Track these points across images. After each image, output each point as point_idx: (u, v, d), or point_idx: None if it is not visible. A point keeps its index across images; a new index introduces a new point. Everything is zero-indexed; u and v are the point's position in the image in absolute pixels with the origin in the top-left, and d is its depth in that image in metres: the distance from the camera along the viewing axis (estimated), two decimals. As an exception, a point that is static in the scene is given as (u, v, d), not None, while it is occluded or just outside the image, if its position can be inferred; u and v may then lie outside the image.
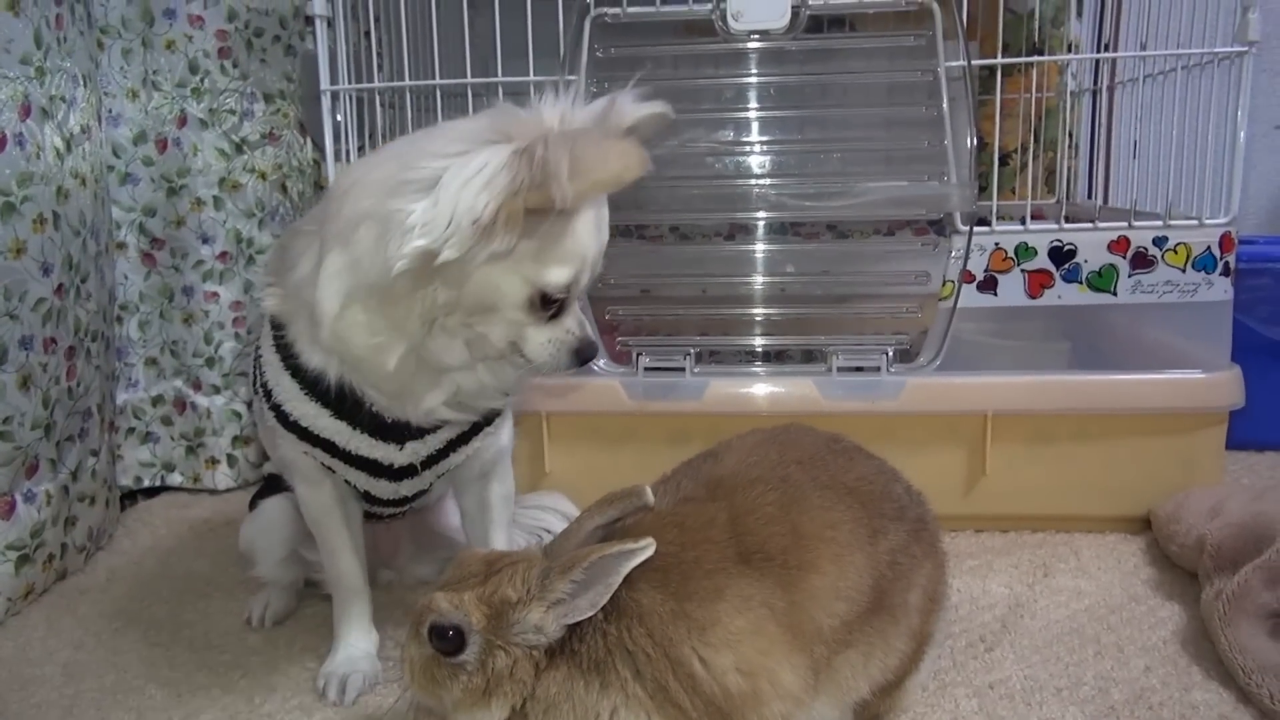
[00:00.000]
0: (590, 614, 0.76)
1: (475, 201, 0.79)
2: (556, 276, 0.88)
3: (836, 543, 0.81)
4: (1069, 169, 1.95)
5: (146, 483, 1.70)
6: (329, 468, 1.03)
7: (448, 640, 0.77)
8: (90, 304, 1.37)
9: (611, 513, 0.84)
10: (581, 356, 0.94)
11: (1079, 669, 1.04)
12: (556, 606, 0.76)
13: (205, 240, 1.64)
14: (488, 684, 0.77)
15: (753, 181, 1.43)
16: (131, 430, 1.68)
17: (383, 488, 1.06)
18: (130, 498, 1.67)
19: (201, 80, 1.60)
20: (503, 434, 1.10)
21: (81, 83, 1.33)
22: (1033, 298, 1.36)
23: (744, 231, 1.54)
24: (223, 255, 1.65)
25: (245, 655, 1.14)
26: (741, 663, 0.75)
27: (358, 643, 1.09)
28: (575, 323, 0.93)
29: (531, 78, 1.39)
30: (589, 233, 0.89)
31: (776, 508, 0.82)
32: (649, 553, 0.75)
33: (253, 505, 1.26)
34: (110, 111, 1.55)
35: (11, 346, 1.20)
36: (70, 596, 1.31)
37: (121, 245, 1.62)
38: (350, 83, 1.45)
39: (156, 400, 1.69)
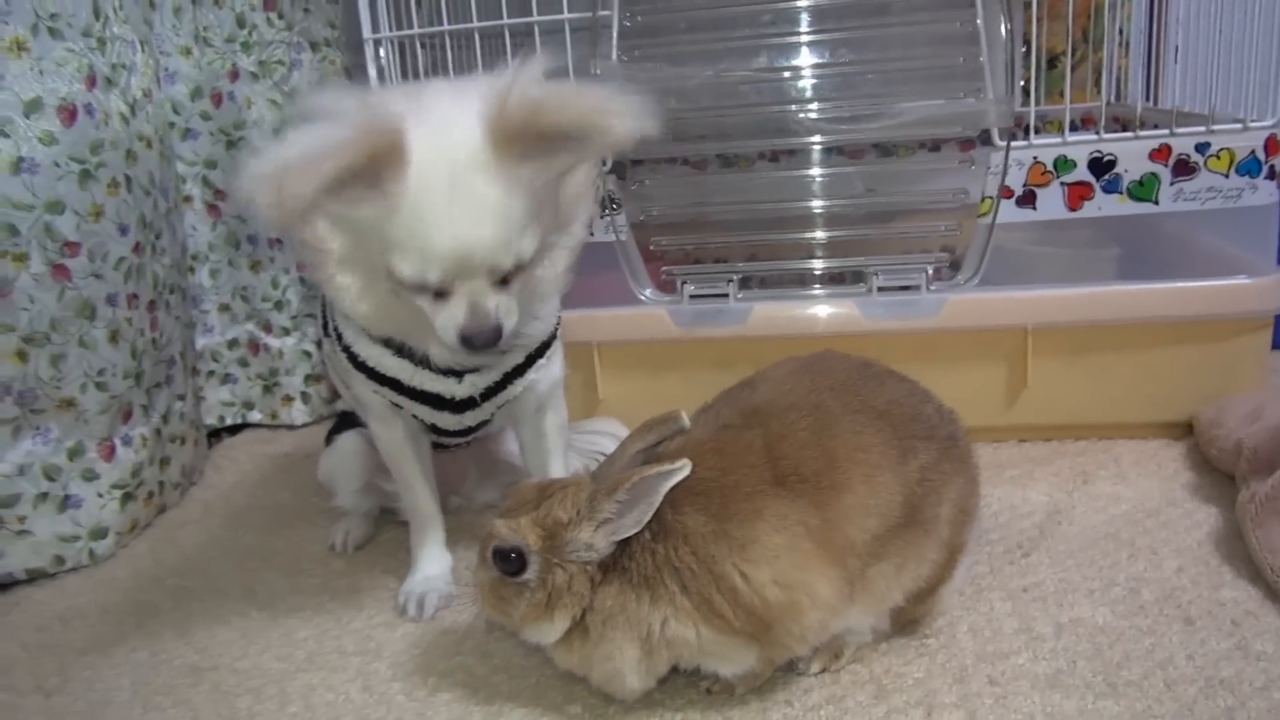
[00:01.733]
0: (635, 531, 0.83)
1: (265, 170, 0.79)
2: (401, 268, 0.87)
3: (867, 463, 0.87)
4: (1118, 69, 1.91)
5: (229, 421, 1.81)
6: (397, 405, 1.11)
7: (510, 562, 0.85)
8: (165, 259, 1.46)
9: (651, 437, 0.91)
10: (469, 344, 0.91)
11: (1112, 571, 1.09)
12: (605, 525, 0.83)
13: (265, 189, 1.71)
14: (549, 598, 0.85)
15: (791, 107, 1.44)
16: (211, 373, 1.78)
17: (447, 419, 1.13)
18: (215, 436, 1.78)
19: (250, 34, 1.65)
20: (554, 366, 1.16)
21: (139, 48, 1.39)
22: (1072, 210, 1.36)
23: (787, 154, 1.56)
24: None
25: (331, 579, 1.24)
26: (779, 576, 0.82)
27: (433, 564, 1.19)
28: (463, 309, 0.90)
29: (566, 15, 1.41)
30: (431, 232, 0.85)
31: (810, 433, 0.87)
32: (685, 473, 0.81)
33: (329, 440, 1.35)
34: (166, 70, 1.62)
35: (99, 304, 1.30)
36: (170, 529, 1.43)
37: (188, 198, 1.70)
38: (391, 29, 1.48)
39: (232, 344, 1.78)
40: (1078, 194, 1.35)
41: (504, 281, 0.92)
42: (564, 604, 0.85)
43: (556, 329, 1.15)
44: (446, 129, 0.85)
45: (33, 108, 1.20)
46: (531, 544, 0.84)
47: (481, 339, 0.91)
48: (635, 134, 0.85)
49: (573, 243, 1.04)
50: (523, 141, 0.85)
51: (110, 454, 1.34)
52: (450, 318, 0.91)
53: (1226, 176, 1.32)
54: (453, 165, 0.84)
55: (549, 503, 0.85)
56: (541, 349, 1.12)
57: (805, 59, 1.47)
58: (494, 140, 0.84)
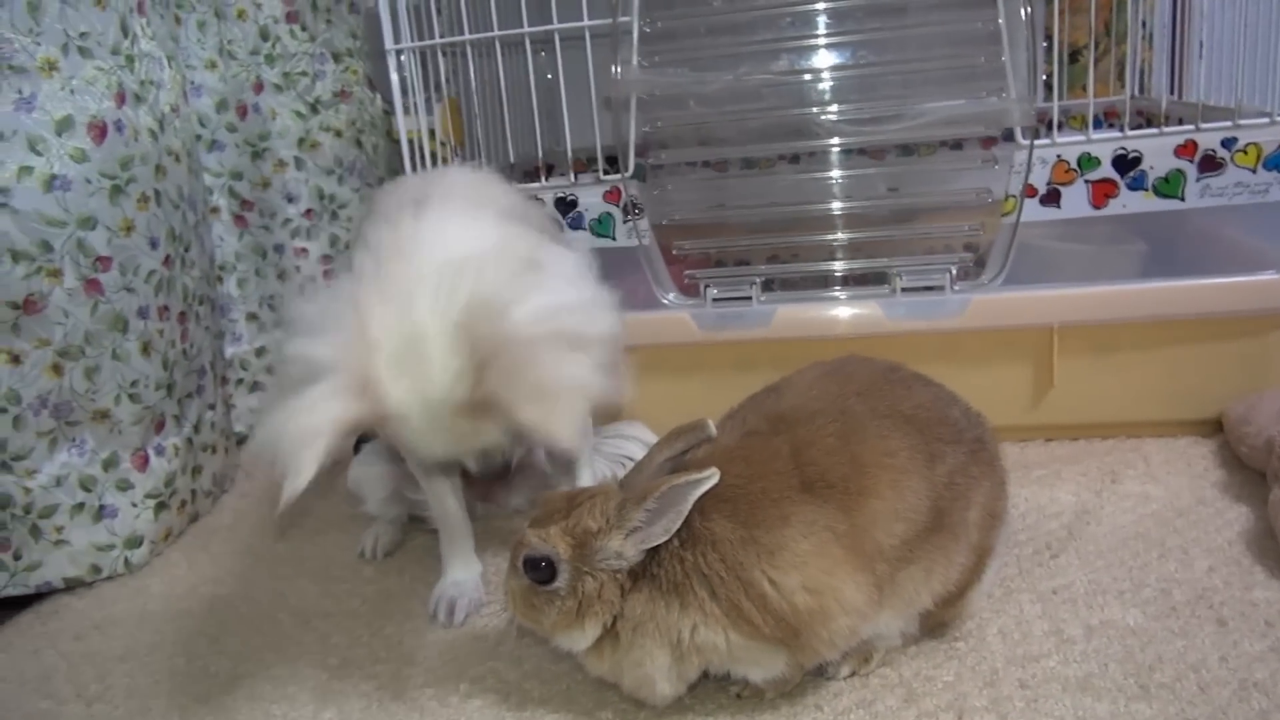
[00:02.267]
0: (664, 539, 0.84)
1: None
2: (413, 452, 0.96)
3: (894, 468, 0.87)
4: (1142, 61, 1.89)
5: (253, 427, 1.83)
6: None
7: (540, 570, 0.86)
8: (195, 270, 1.48)
9: (679, 445, 0.91)
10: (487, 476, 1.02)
11: (1142, 572, 1.08)
12: (634, 534, 0.84)
13: (290, 199, 1.73)
14: (579, 606, 0.86)
15: (812, 109, 1.44)
16: (240, 381, 1.81)
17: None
18: (245, 443, 1.81)
19: (273, 46, 1.67)
20: None
21: (166, 64, 1.41)
22: (1097, 208, 1.35)
23: (808, 156, 1.56)
24: (308, 212, 1.74)
25: (362, 585, 1.26)
26: (808, 582, 0.82)
27: (463, 570, 1.20)
28: (472, 463, 1.00)
29: (586, 22, 1.42)
30: (423, 449, 0.94)
31: (836, 438, 0.87)
32: (714, 481, 0.82)
33: (356, 448, 1.37)
34: (193, 83, 1.64)
35: (131, 316, 1.32)
36: (203, 537, 1.45)
37: (215, 209, 1.72)
38: (412, 39, 1.50)
39: (260, 352, 1.81)
40: (1102, 191, 1.34)
41: None
42: (594, 612, 0.86)
43: None
44: (421, 378, 0.87)
45: (64, 126, 1.22)
46: (561, 553, 0.85)
47: (494, 474, 0.99)
48: (569, 445, 0.89)
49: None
50: (493, 405, 0.87)
51: (144, 464, 1.36)
52: (468, 463, 1.00)
53: (1254, 171, 1.30)
54: (428, 410, 0.89)
55: (578, 512, 0.86)
56: None
57: (825, 61, 1.47)
58: (463, 396, 0.88)
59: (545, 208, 1.15)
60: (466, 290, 0.84)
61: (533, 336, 0.84)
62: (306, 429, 0.83)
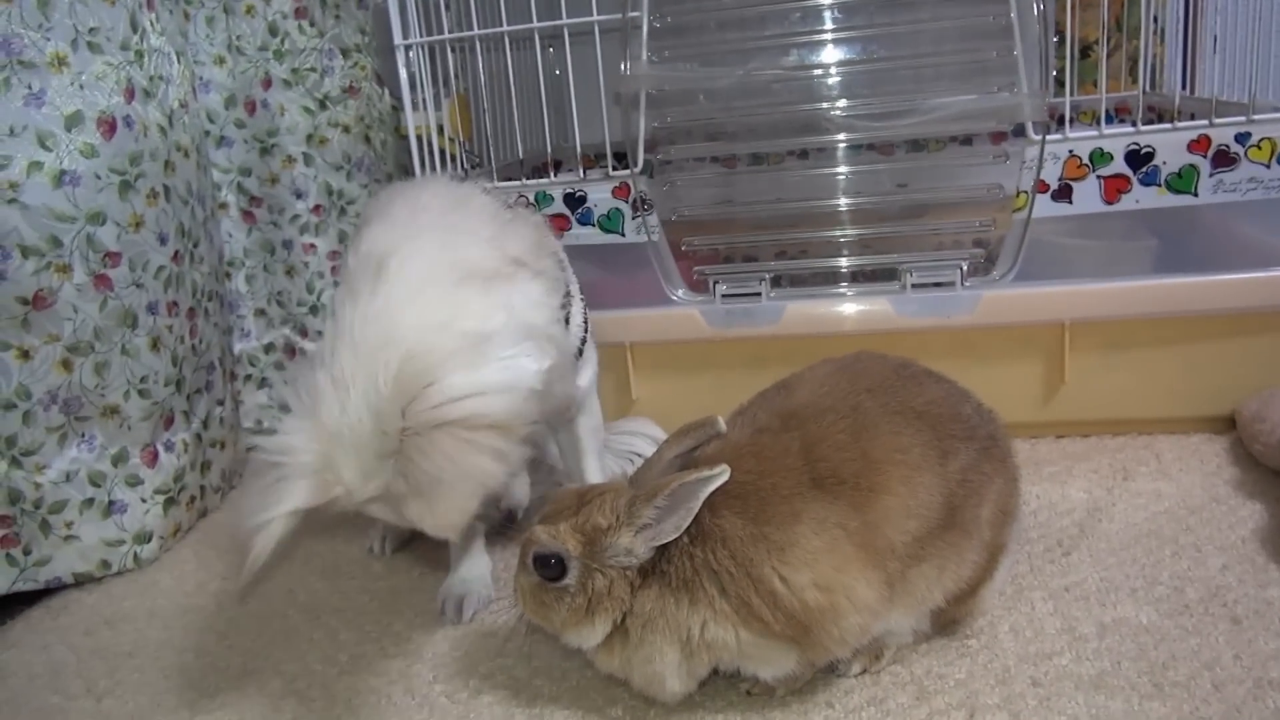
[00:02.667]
0: (675, 536, 0.83)
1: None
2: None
3: (906, 465, 0.86)
4: (1153, 57, 1.88)
5: (266, 425, 1.83)
6: None
7: (550, 568, 0.86)
8: (204, 266, 1.48)
9: (688, 442, 0.91)
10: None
11: (1155, 569, 1.07)
12: (644, 530, 0.84)
13: (299, 195, 1.73)
14: (589, 603, 0.85)
15: (822, 105, 1.43)
16: (249, 377, 1.81)
17: None
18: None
19: (282, 42, 1.66)
20: (584, 376, 1.17)
21: (175, 59, 1.40)
22: (1109, 203, 1.34)
23: (817, 152, 1.55)
24: (316, 208, 1.74)
25: (371, 581, 1.26)
26: (819, 579, 0.82)
27: (471, 567, 1.19)
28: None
29: (596, 17, 1.41)
30: (388, 519, 0.95)
31: (848, 435, 0.87)
32: (724, 478, 0.82)
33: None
34: (201, 79, 1.64)
35: (140, 312, 1.32)
36: (212, 533, 1.45)
37: (223, 205, 1.72)
38: (421, 35, 1.49)
39: (268, 348, 1.81)
40: (1115, 187, 1.33)
41: None
42: (604, 608, 0.85)
43: (582, 342, 1.15)
44: (362, 467, 0.89)
45: (73, 121, 1.22)
46: (571, 550, 0.85)
47: (503, 522, 0.99)
48: (447, 537, 0.94)
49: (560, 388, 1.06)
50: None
51: (153, 460, 1.36)
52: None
53: (1268, 167, 1.29)
54: (381, 495, 0.91)
55: (588, 509, 0.86)
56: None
57: (836, 56, 1.46)
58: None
59: (534, 215, 1.14)
60: (392, 379, 0.87)
61: (432, 427, 0.86)
62: (263, 513, 0.88)
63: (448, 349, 0.87)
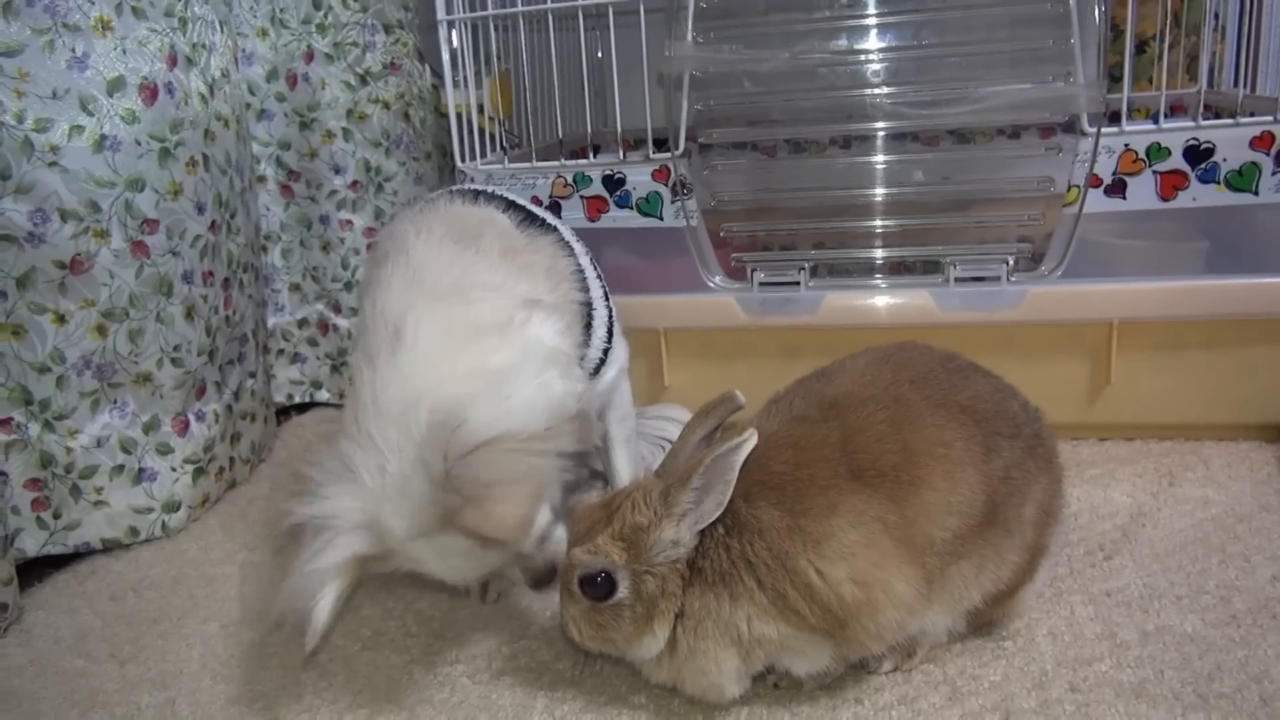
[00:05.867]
0: (718, 514, 0.81)
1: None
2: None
3: (949, 459, 0.84)
4: (1214, 54, 1.82)
5: (297, 399, 1.84)
6: None
7: (598, 586, 0.82)
8: (240, 238, 1.48)
9: (711, 421, 0.89)
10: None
11: (1201, 578, 1.04)
12: (685, 517, 0.81)
13: (337, 171, 1.72)
14: (648, 610, 0.82)
15: (869, 91, 1.40)
16: (281, 351, 1.81)
17: None
18: (284, 413, 1.81)
19: (325, 15, 1.66)
20: (609, 373, 1.16)
21: (219, 28, 1.40)
22: (1165, 200, 1.30)
23: (860, 140, 1.52)
24: (354, 184, 1.73)
25: (396, 558, 1.25)
26: (856, 574, 0.79)
27: (496, 549, 1.19)
28: (517, 574, 0.98)
29: (641, -4, 1.39)
30: (441, 577, 0.92)
31: (888, 426, 0.84)
32: (753, 443, 0.79)
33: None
34: (243, 51, 1.63)
35: (175, 280, 1.32)
36: (240, 504, 1.45)
37: (261, 178, 1.72)
38: (464, 11, 1.48)
39: (302, 323, 1.81)
40: (1171, 183, 1.29)
41: None
42: (662, 610, 0.82)
43: (606, 351, 1.13)
44: (410, 515, 0.86)
45: (115, 86, 1.22)
46: (617, 559, 0.82)
47: (547, 576, 0.95)
48: (508, 537, 0.87)
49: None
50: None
51: (184, 429, 1.37)
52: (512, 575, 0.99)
53: (1334, 166, 1.25)
54: (431, 543, 0.87)
55: (620, 513, 0.83)
56: (594, 370, 1.12)
57: (885, 41, 1.42)
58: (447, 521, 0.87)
59: (548, 236, 1.11)
60: (424, 430, 0.86)
61: (475, 449, 0.84)
62: (318, 575, 0.86)
63: (473, 392, 0.87)
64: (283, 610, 0.88)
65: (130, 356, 1.29)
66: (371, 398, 0.90)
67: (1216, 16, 1.83)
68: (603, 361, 1.14)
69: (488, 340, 0.93)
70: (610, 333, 1.16)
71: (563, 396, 0.92)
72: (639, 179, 1.45)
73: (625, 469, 1.22)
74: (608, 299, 1.18)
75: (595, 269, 1.18)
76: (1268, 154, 1.26)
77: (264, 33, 1.66)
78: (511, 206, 1.14)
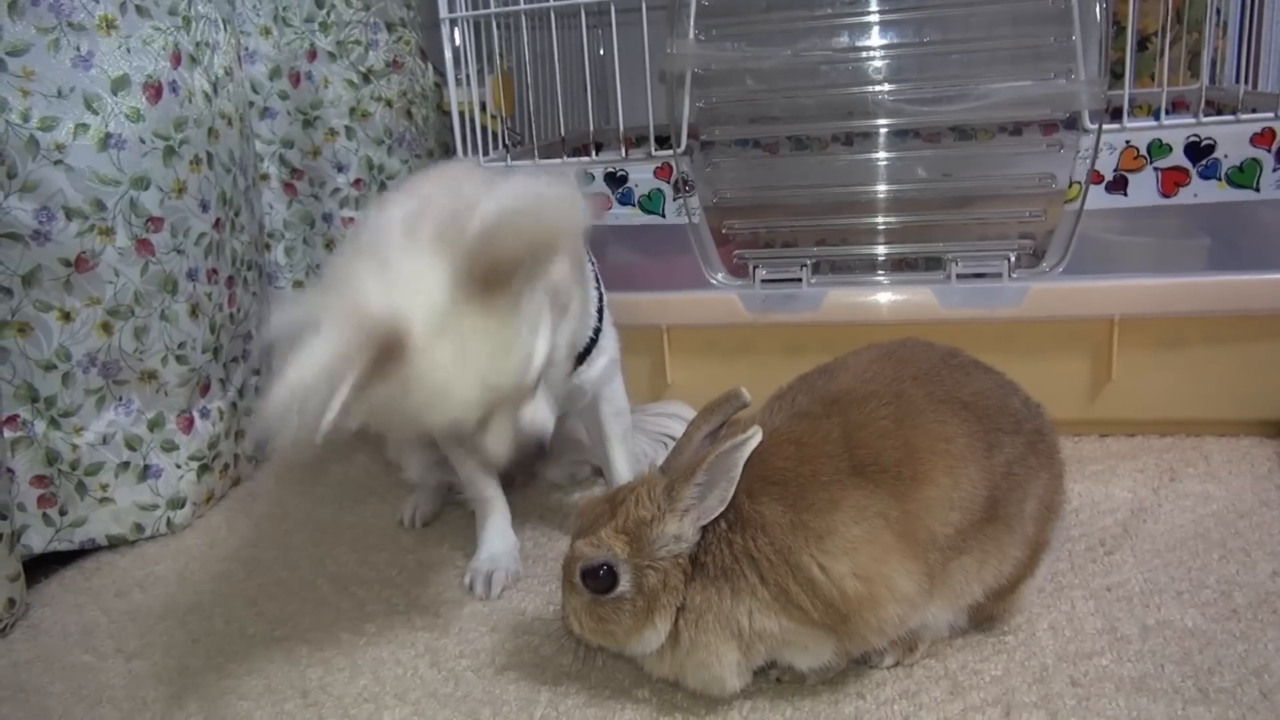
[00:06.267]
0: (721, 510, 0.81)
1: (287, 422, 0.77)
2: (433, 424, 0.88)
3: (950, 455, 0.84)
4: (1215, 50, 1.82)
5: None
6: None
7: (600, 579, 0.83)
8: (244, 235, 1.48)
9: (716, 418, 0.89)
10: (520, 453, 0.94)
11: (1202, 573, 1.04)
12: (689, 512, 0.82)
13: (340, 169, 1.73)
14: (649, 604, 0.83)
15: (870, 88, 1.40)
16: (285, 349, 1.81)
17: None
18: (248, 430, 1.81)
19: (328, 14, 1.66)
20: (596, 366, 1.15)
21: (222, 26, 1.40)
22: (1166, 196, 1.30)
23: (862, 137, 1.52)
24: (357, 182, 1.74)
25: (400, 554, 1.25)
26: (858, 569, 0.80)
27: (499, 544, 1.19)
28: (504, 431, 0.92)
29: (644, -7, 1.39)
30: (454, 395, 0.85)
31: (891, 422, 0.85)
32: (758, 439, 0.79)
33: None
34: (246, 49, 1.64)
35: (180, 278, 1.32)
36: (244, 501, 1.46)
37: (265, 176, 1.73)
38: (467, 9, 1.48)
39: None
40: (1172, 179, 1.30)
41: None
42: (663, 604, 0.83)
43: (596, 334, 1.13)
44: (429, 299, 0.82)
45: (120, 85, 1.22)
46: (619, 552, 0.82)
47: (530, 449, 0.93)
48: (579, 236, 0.86)
49: (573, 323, 1.01)
50: (497, 277, 0.83)
51: (189, 426, 1.37)
52: (494, 441, 0.92)
53: (1334, 163, 1.25)
54: (451, 332, 0.82)
55: (624, 507, 0.83)
56: (583, 355, 1.12)
57: (886, 39, 1.43)
58: (476, 288, 0.83)
59: None
60: (433, 213, 0.83)
61: (506, 202, 0.82)
62: (318, 375, 0.77)
63: (475, 178, 0.86)
64: (268, 426, 0.77)
65: (135, 354, 1.29)
66: (363, 226, 0.86)
67: (1218, 12, 1.83)
68: (593, 343, 1.13)
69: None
70: (600, 316, 1.16)
71: (559, 196, 0.87)
72: (641, 176, 1.46)
73: (623, 465, 1.23)
74: (599, 283, 1.18)
75: (589, 254, 1.18)
76: (1269, 150, 1.26)
77: (267, 31, 1.66)
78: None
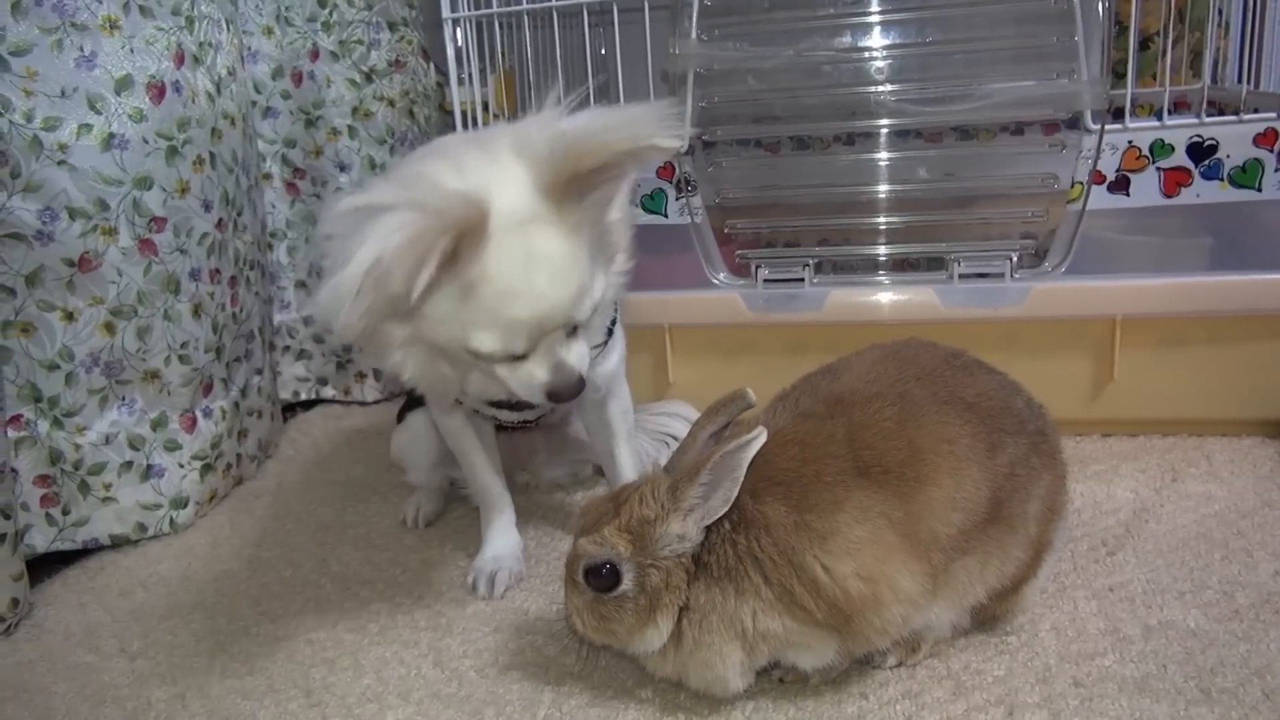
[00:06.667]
0: (724, 510, 0.81)
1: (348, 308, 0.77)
2: (482, 343, 0.87)
3: (954, 456, 0.84)
4: (1217, 50, 1.82)
5: (303, 396, 1.85)
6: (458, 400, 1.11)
7: (603, 577, 0.83)
8: (246, 235, 1.49)
9: (721, 419, 0.89)
10: (555, 398, 0.93)
11: (1204, 573, 1.04)
12: (693, 512, 0.82)
13: (342, 168, 1.73)
14: (651, 602, 0.83)
15: (872, 88, 1.40)
16: (287, 348, 1.82)
17: (505, 414, 1.14)
18: (290, 410, 1.82)
19: (330, 14, 1.66)
20: (610, 360, 1.15)
21: (225, 27, 1.41)
22: (1168, 196, 1.31)
23: (864, 137, 1.52)
24: (359, 182, 1.74)
25: (403, 553, 1.25)
26: (861, 569, 0.80)
27: (503, 543, 1.19)
28: (544, 368, 0.91)
29: (646, -7, 1.39)
30: (515, 304, 0.85)
31: (894, 423, 0.85)
32: (762, 440, 0.79)
33: (400, 418, 1.37)
34: (249, 49, 1.64)
35: (183, 278, 1.32)
36: (247, 500, 1.46)
37: (267, 176, 1.73)
38: (469, 9, 1.48)
39: (307, 320, 1.81)
40: (1175, 180, 1.30)
41: (574, 330, 0.92)
42: (665, 604, 0.83)
43: (613, 323, 1.14)
44: (504, 197, 0.82)
45: (123, 85, 1.22)
46: (622, 551, 0.82)
47: (569, 392, 0.92)
48: (675, 144, 0.84)
49: (619, 272, 1.02)
50: (574, 186, 0.83)
51: (191, 426, 1.37)
52: (531, 378, 0.92)
53: (1337, 163, 1.25)
54: (523, 233, 0.83)
55: (628, 506, 0.83)
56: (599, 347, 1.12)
57: (889, 39, 1.43)
58: (550, 196, 0.83)
59: None
60: (509, 133, 0.84)
61: (593, 115, 0.84)
62: (404, 240, 0.75)
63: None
64: (338, 303, 0.76)
65: (138, 354, 1.30)
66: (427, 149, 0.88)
67: (1220, 12, 1.83)
68: (610, 334, 1.13)
69: None
70: (616, 309, 1.16)
71: (645, 111, 0.86)
72: (643, 176, 1.46)
73: (627, 464, 1.23)
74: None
75: None
76: (1271, 150, 1.26)
77: (269, 31, 1.66)
78: None
